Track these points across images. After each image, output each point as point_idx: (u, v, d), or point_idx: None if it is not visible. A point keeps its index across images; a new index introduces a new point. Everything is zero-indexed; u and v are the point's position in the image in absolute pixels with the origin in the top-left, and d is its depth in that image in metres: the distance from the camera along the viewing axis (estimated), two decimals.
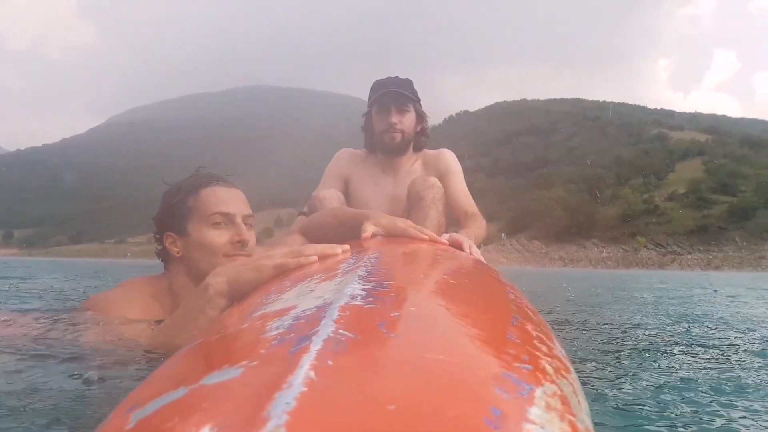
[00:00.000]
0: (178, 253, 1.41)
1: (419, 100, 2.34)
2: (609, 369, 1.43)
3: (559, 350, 0.51)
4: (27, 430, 0.76)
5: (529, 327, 0.53)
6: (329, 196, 2.23)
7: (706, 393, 1.18)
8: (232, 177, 1.50)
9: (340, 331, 0.38)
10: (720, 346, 1.94)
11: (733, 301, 5.05)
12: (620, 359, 1.63)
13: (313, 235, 1.62)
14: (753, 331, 2.41)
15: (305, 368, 0.30)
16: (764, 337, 2.25)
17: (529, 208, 77.16)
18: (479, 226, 2.09)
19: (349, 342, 0.36)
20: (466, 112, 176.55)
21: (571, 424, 0.31)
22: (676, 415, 1.01)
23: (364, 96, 2.41)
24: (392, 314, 0.45)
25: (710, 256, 61.06)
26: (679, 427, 0.96)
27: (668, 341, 2.03)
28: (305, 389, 0.27)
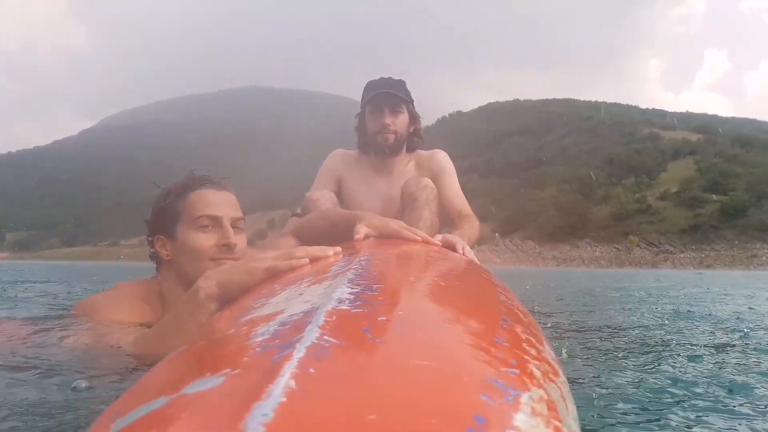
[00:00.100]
0: (167, 256, 1.41)
1: (412, 101, 2.34)
2: (600, 370, 1.43)
3: (548, 353, 0.50)
4: None
5: (519, 329, 0.52)
6: (322, 197, 2.22)
7: (699, 395, 1.18)
8: (226, 180, 1.49)
9: (325, 337, 0.37)
10: (713, 345, 1.95)
11: (726, 299, 5.08)
12: (612, 360, 1.63)
13: (305, 237, 1.61)
14: (747, 329, 2.42)
15: (285, 377, 0.29)
16: (758, 335, 2.26)
17: (522, 208, 77.39)
18: (473, 226, 2.09)
19: (333, 348, 0.35)
20: (459, 113, 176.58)
21: (557, 430, 0.31)
22: (668, 418, 1.00)
23: (357, 96, 2.41)
24: (379, 319, 0.45)
25: (702, 255, 61.51)
26: (671, 431, 0.95)
27: (661, 341, 2.03)
28: (284, 399, 0.27)
